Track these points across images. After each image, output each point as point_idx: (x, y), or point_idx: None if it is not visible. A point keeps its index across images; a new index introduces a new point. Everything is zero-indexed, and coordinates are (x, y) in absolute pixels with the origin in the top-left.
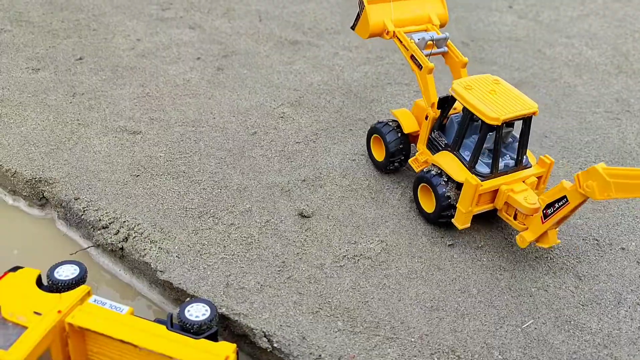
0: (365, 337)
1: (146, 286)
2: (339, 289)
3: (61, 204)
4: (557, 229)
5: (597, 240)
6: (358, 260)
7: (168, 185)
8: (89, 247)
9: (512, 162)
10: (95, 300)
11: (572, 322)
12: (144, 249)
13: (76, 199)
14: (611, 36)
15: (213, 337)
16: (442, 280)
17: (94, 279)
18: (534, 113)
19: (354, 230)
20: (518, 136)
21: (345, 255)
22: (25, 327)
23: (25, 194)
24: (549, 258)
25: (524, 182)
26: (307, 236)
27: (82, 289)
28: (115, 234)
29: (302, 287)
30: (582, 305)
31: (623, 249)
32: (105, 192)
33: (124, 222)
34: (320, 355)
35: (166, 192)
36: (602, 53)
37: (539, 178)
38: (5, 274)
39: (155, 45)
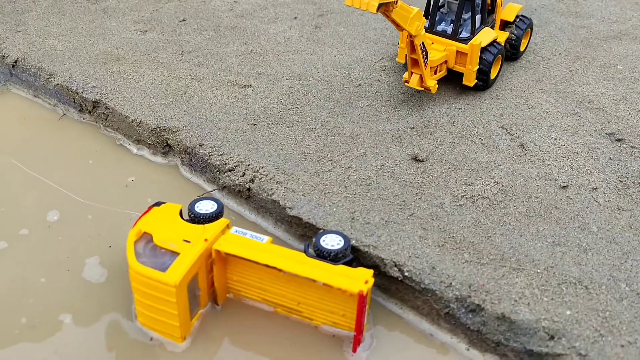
0: (492, 268)
1: (272, 224)
2: (461, 225)
3: (185, 151)
4: (421, 77)
5: None
6: (476, 199)
7: (285, 133)
8: (214, 190)
9: (449, 30)
10: (236, 231)
11: None
12: (271, 189)
13: (200, 145)
14: None
15: (349, 265)
16: (561, 219)
17: None
18: None
19: (469, 173)
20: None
21: (463, 195)
22: (177, 253)
23: (149, 142)
24: None
25: (445, 48)
26: (424, 178)
27: (223, 221)
28: (242, 176)
29: (425, 223)
30: None
31: None
32: (227, 139)
33: (249, 165)
34: (451, 284)
35: (284, 139)
36: None
37: (464, 54)
38: (150, 208)
39: (252, 6)
